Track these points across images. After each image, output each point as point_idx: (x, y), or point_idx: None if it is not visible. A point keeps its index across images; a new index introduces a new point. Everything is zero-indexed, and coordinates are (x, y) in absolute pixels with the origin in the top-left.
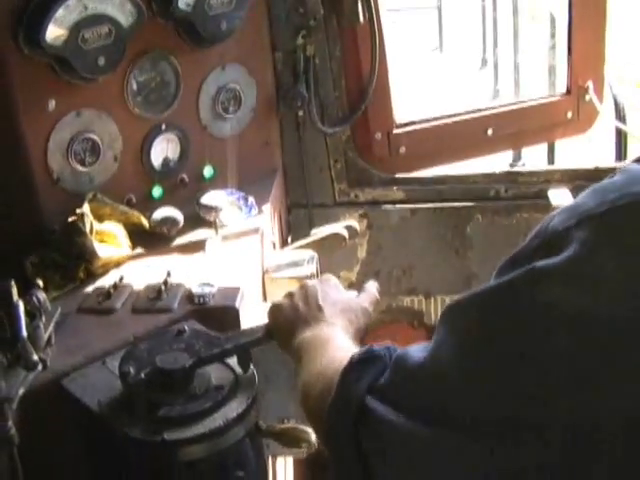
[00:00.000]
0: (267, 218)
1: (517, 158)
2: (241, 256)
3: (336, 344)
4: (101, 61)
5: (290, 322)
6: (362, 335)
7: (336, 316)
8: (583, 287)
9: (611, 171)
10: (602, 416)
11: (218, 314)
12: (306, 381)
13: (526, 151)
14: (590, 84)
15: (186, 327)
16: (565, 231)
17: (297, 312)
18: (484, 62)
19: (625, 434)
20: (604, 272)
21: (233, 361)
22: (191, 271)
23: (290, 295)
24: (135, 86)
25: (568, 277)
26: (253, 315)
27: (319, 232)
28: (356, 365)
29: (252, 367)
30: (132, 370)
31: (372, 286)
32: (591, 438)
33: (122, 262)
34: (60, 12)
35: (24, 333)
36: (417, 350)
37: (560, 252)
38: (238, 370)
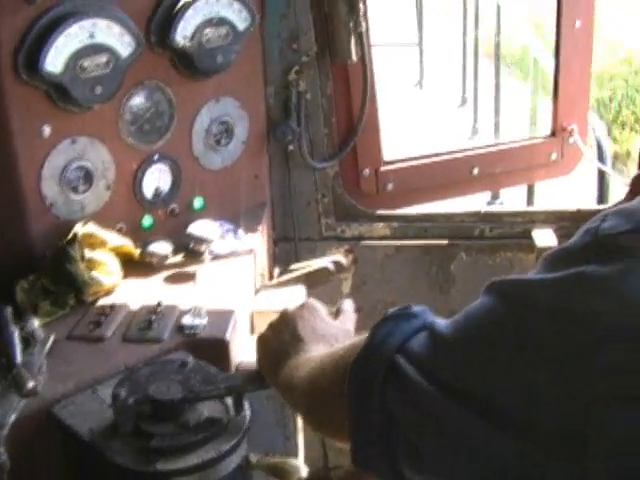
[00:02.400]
0: (256, 251)
1: (495, 196)
2: (232, 287)
3: (319, 356)
4: (98, 90)
5: (272, 355)
6: None
7: (316, 342)
8: (632, 302)
9: (594, 213)
10: None
11: (208, 345)
12: (310, 374)
13: (504, 190)
14: (575, 127)
15: (190, 360)
16: (617, 237)
17: (278, 344)
18: (464, 100)
19: None
20: None
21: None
22: (181, 301)
23: (270, 326)
24: (130, 116)
25: (616, 289)
26: (242, 347)
27: (306, 266)
28: (389, 319)
29: (246, 407)
30: (123, 394)
31: (348, 305)
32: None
33: (112, 290)
34: (60, 40)
35: (19, 360)
36: (451, 322)
37: (610, 258)
38: (231, 407)
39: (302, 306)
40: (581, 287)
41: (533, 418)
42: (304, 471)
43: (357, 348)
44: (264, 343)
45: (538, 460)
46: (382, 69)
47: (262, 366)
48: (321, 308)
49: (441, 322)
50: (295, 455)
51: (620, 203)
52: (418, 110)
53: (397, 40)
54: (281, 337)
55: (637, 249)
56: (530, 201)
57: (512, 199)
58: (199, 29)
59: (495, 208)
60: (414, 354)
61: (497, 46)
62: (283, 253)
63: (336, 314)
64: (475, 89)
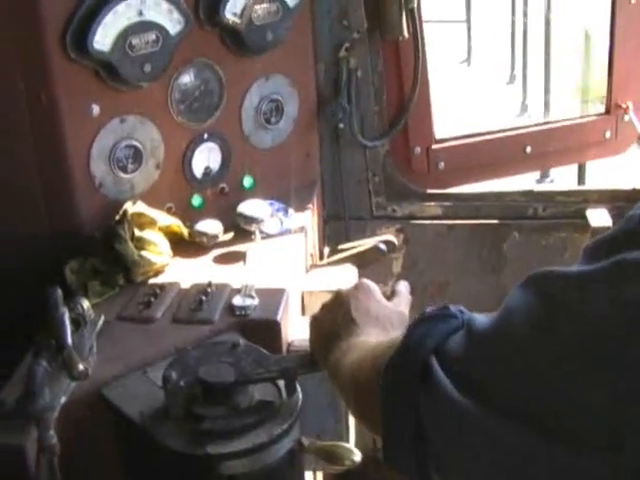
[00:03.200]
0: (307, 230)
1: (545, 175)
2: (282, 266)
3: (371, 343)
4: (147, 68)
5: (324, 337)
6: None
7: (370, 325)
8: None
9: None
10: None
11: (259, 327)
12: (353, 364)
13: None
14: (630, 104)
15: (241, 341)
16: None
17: (331, 324)
18: (512, 78)
19: None
20: None
21: None
22: (232, 281)
23: (323, 307)
24: (179, 94)
25: None
26: (293, 328)
27: (357, 245)
28: (427, 320)
29: (298, 390)
30: (174, 376)
31: (403, 286)
32: None
33: (162, 270)
34: (109, 18)
35: (70, 342)
36: (489, 320)
37: None
38: (283, 390)
39: (356, 287)
40: (622, 274)
41: (577, 422)
42: (357, 456)
43: (394, 347)
44: (317, 324)
45: (575, 462)
46: (430, 46)
47: (314, 348)
48: (375, 289)
49: (479, 319)
50: (346, 439)
51: None
52: (466, 87)
53: (444, 17)
54: (334, 318)
55: None
56: (581, 179)
57: (562, 176)
58: (248, 6)
59: (548, 187)
60: (448, 355)
61: (547, 23)
62: (333, 232)
63: (390, 295)
64: (524, 66)
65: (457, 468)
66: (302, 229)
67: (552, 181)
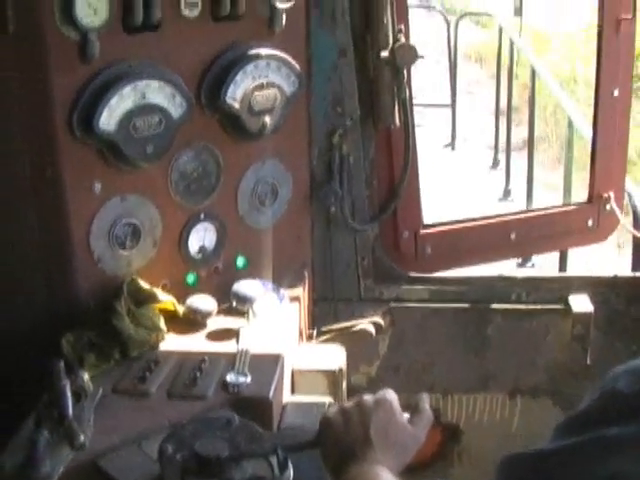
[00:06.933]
0: (297, 310)
1: (527, 258)
2: (274, 345)
3: None
4: (150, 149)
5: (338, 447)
6: (408, 461)
7: (386, 450)
8: None
9: (630, 280)
10: None
11: (252, 404)
12: None
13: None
14: (611, 194)
15: (236, 418)
16: (633, 396)
17: (347, 437)
18: (496, 163)
19: None
20: None
21: None
22: (225, 358)
23: (343, 412)
24: (178, 175)
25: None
26: (284, 405)
27: (346, 327)
28: None
29: (290, 466)
30: (170, 449)
31: (425, 403)
32: None
33: (157, 345)
34: (114, 100)
35: (71, 413)
36: None
37: (630, 418)
38: (275, 465)
39: (378, 402)
40: (600, 452)
41: None
42: None
43: None
44: (333, 428)
45: None
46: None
47: (326, 455)
48: (396, 406)
49: None
50: None
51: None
52: (449, 172)
53: (430, 100)
54: (351, 430)
55: None
56: (562, 264)
57: (544, 260)
58: (248, 92)
59: (531, 272)
60: None
61: (531, 114)
62: (322, 313)
63: (412, 412)
64: (507, 152)
65: None
66: (294, 309)
67: (533, 265)
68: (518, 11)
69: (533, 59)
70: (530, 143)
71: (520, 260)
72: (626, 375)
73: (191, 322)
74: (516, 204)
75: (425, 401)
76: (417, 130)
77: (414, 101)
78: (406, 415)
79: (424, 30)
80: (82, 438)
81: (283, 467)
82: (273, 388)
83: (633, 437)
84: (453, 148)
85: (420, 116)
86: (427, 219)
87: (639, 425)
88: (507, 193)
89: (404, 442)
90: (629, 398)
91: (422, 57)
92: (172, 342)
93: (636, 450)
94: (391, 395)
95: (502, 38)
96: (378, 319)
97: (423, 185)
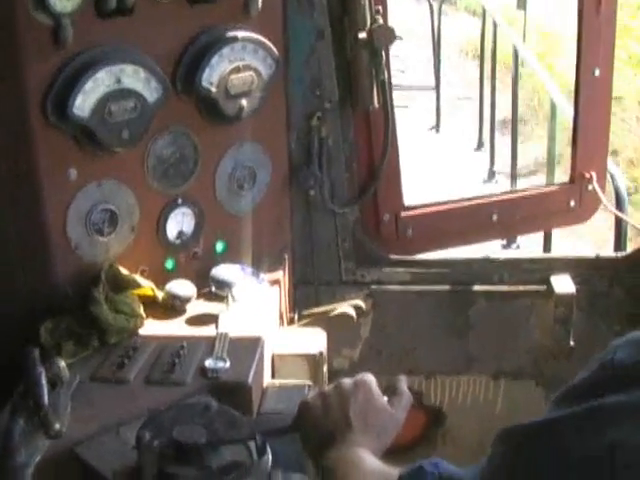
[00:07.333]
0: (277, 294)
1: (511, 240)
2: (253, 330)
3: (364, 469)
4: (125, 134)
5: (317, 431)
6: (389, 443)
7: (365, 433)
8: None
9: (612, 260)
10: None
11: (231, 389)
12: None
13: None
14: (593, 174)
15: (214, 404)
16: (633, 366)
17: (326, 420)
18: (480, 144)
19: None
20: None
21: None
22: (204, 344)
23: (322, 396)
24: (155, 160)
25: (636, 417)
26: (263, 390)
27: (327, 310)
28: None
29: (268, 451)
30: (147, 436)
31: (403, 385)
32: None
33: (135, 332)
34: (89, 85)
35: (47, 401)
36: (465, 472)
37: (629, 387)
38: (254, 451)
39: (356, 384)
40: (598, 420)
41: None
42: None
43: None
44: (312, 412)
45: None
46: (399, 113)
47: (305, 440)
48: (375, 389)
49: (457, 473)
50: None
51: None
52: (434, 154)
53: (414, 83)
54: (331, 414)
55: None
56: (547, 245)
57: (529, 242)
58: (224, 75)
59: (513, 254)
60: None
61: (515, 95)
62: (303, 297)
63: (391, 394)
64: (492, 134)
65: None
66: (272, 294)
67: (518, 247)
68: (522, 4)
69: (518, 44)
70: (514, 124)
71: (505, 242)
72: (627, 346)
73: (170, 307)
74: (500, 185)
75: (403, 383)
76: (405, 113)
77: (401, 84)
78: (385, 398)
79: (415, 17)
80: (58, 426)
81: (261, 452)
82: (252, 373)
83: (632, 406)
84: (438, 131)
85: (409, 100)
86: (410, 202)
87: (636, 393)
88: (492, 174)
89: (384, 424)
90: (629, 368)
91: (400, 38)
92: (151, 328)
93: (636, 419)
94: (369, 378)
95: (496, 34)
96: (359, 302)
97: (408, 168)
